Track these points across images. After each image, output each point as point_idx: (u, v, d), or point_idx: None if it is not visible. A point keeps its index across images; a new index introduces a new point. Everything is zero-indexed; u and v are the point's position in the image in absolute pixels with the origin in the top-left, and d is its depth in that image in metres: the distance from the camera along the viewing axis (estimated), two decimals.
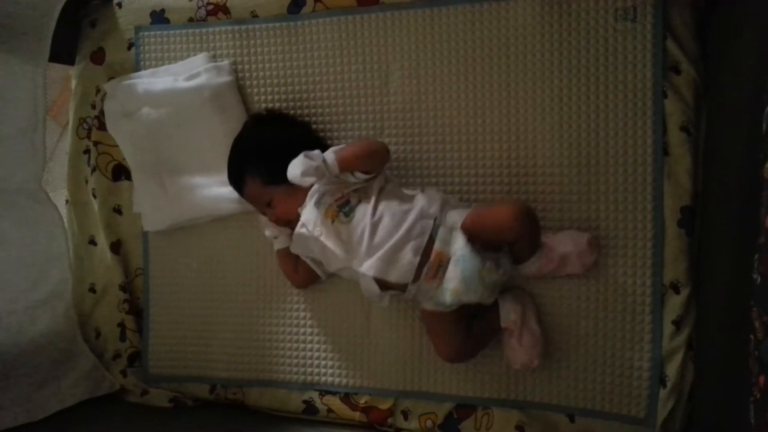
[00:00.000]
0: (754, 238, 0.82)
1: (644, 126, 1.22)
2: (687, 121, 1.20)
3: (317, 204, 1.22)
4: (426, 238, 1.15)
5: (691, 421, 1.20)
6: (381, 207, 1.19)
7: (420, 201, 1.20)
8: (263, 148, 1.31)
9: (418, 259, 1.14)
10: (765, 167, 0.79)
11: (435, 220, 1.17)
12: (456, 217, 1.18)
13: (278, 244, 1.37)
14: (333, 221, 1.20)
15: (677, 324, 1.20)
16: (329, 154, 1.22)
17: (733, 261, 1.05)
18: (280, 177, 1.25)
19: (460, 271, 1.12)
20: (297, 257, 1.34)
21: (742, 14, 1.07)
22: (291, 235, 1.31)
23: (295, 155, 1.22)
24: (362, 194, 1.23)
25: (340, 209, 1.20)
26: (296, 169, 1.19)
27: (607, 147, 1.24)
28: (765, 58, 0.94)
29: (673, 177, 1.21)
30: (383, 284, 1.18)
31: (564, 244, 1.20)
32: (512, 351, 1.23)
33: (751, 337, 0.80)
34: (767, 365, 0.75)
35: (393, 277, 1.16)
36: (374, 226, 1.17)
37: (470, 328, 1.23)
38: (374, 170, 1.24)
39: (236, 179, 1.34)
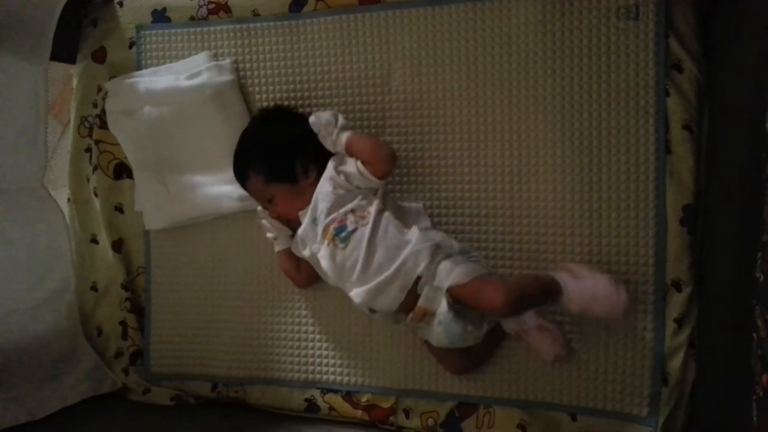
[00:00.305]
0: (757, 236, 0.82)
1: (646, 124, 1.22)
2: (689, 119, 1.20)
3: (314, 222, 1.23)
4: (414, 276, 1.15)
5: (692, 420, 1.20)
6: (377, 239, 1.18)
7: (414, 237, 1.18)
8: (268, 145, 1.30)
9: (403, 296, 1.16)
10: None
11: (419, 278, 1.15)
12: (444, 275, 1.14)
13: (279, 245, 1.36)
14: (329, 243, 1.20)
15: (679, 322, 1.20)
16: (345, 129, 1.23)
17: (736, 259, 1.05)
18: (283, 175, 1.26)
19: (443, 331, 1.14)
20: (298, 258, 1.34)
21: (744, 12, 1.07)
22: (292, 236, 1.31)
23: (298, 154, 1.25)
24: (359, 217, 1.20)
25: (337, 234, 1.19)
26: (318, 117, 1.23)
27: (609, 145, 1.24)
28: (767, 57, 0.94)
29: (676, 175, 1.21)
30: (371, 308, 1.21)
31: (594, 300, 1.12)
32: (536, 349, 1.24)
33: (754, 335, 0.80)
34: None
35: (378, 306, 1.19)
36: (367, 260, 1.17)
37: (470, 348, 1.24)
38: (375, 168, 1.21)
39: (240, 173, 1.33)
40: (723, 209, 1.14)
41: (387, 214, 1.21)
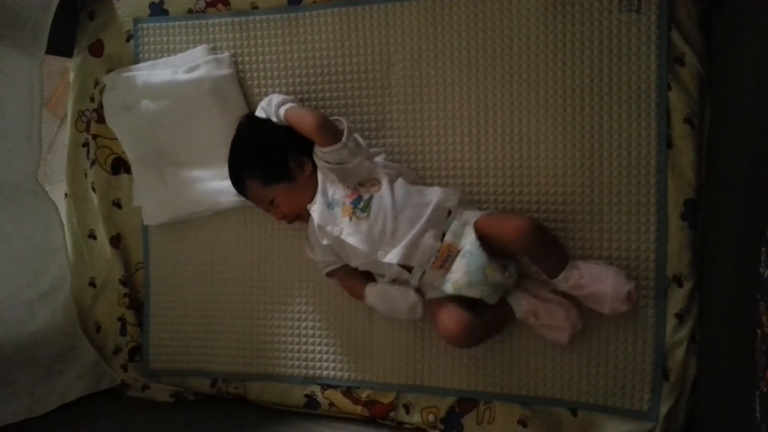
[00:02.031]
0: (760, 231, 0.81)
1: (648, 118, 1.22)
2: (691, 113, 1.19)
3: (330, 206, 1.24)
4: (442, 230, 1.19)
5: (694, 415, 1.20)
6: (399, 199, 1.21)
7: (437, 193, 1.23)
8: (257, 148, 1.30)
9: (439, 244, 1.18)
10: None
11: (450, 212, 1.21)
12: (471, 215, 1.22)
13: (332, 267, 1.33)
14: (351, 218, 1.21)
15: (680, 317, 1.20)
16: (283, 104, 1.29)
17: (737, 254, 1.05)
18: (278, 175, 1.27)
19: (465, 264, 1.15)
20: (356, 272, 1.30)
21: (746, 5, 1.06)
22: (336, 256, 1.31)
23: (288, 151, 1.26)
24: (370, 186, 1.24)
25: (355, 206, 1.21)
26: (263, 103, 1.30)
27: (611, 139, 1.24)
28: None
29: (677, 169, 1.20)
30: (407, 266, 1.21)
31: (602, 282, 1.16)
32: (549, 333, 1.22)
33: (758, 331, 0.79)
34: None
35: (416, 261, 1.19)
36: (395, 219, 1.19)
37: (478, 311, 1.21)
38: (315, 139, 1.25)
39: (237, 183, 1.34)
40: (724, 204, 1.13)
41: (401, 180, 1.25)
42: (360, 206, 1.21)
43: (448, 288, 1.17)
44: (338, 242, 1.24)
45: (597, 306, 1.18)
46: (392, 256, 1.19)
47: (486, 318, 1.21)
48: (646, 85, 1.22)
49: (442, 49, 1.33)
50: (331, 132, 1.25)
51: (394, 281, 1.25)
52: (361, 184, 1.24)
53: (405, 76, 1.35)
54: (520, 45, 1.28)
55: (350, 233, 1.21)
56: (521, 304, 1.21)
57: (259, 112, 1.32)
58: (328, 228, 1.24)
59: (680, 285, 1.20)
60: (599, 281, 1.16)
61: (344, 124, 1.27)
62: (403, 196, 1.22)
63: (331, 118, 1.29)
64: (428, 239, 1.18)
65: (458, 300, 1.19)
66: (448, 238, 1.18)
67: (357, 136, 1.29)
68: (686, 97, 1.20)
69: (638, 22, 1.21)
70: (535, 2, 1.26)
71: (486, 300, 1.18)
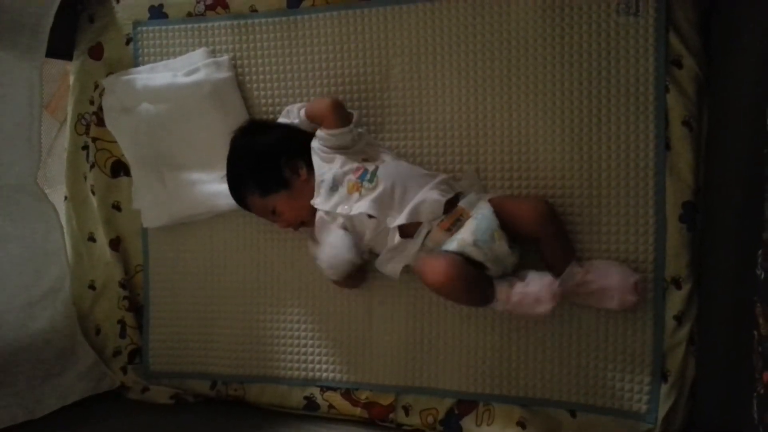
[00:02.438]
0: (758, 233, 0.82)
1: (646, 120, 1.22)
2: (689, 115, 1.20)
3: (333, 189, 1.25)
4: (450, 195, 1.21)
5: (692, 417, 1.21)
6: (405, 169, 1.26)
7: (441, 175, 1.26)
8: (250, 161, 1.31)
9: (445, 198, 1.20)
10: None
11: (459, 194, 1.24)
12: (484, 195, 1.25)
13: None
14: (360, 193, 1.22)
15: (678, 319, 1.20)
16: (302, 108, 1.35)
17: (735, 256, 1.05)
18: (275, 185, 1.28)
19: (475, 223, 1.15)
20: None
21: (744, 8, 1.06)
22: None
23: (282, 158, 1.28)
24: (374, 160, 1.27)
25: (362, 179, 1.23)
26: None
27: (609, 141, 1.24)
28: (767, 53, 0.94)
29: (675, 172, 1.21)
30: (405, 232, 1.22)
31: (608, 276, 1.17)
32: (530, 302, 1.13)
33: (755, 333, 0.80)
34: None
35: (424, 216, 1.20)
36: (404, 183, 1.22)
37: (460, 267, 1.14)
38: (328, 122, 1.27)
39: (238, 199, 1.35)
40: (723, 206, 1.13)
41: (404, 161, 1.30)
42: (367, 178, 1.23)
43: (453, 245, 1.14)
44: (350, 222, 1.25)
45: (605, 302, 1.18)
46: (401, 218, 1.20)
47: (471, 272, 1.15)
48: (644, 88, 1.22)
49: (440, 52, 1.33)
50: (343, 115, 1.29)
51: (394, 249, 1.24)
52: (365, 160, 1.27)
53: (404, 79, 1.36)
54: (518, 48, 1.28)
55: (360, 206, 1.22)
56: (502, 287, 1.15)
57: (282, 119, 1.37)
58: (338, 209, 1.24)
59: (679, 287, 1.20)
60: (605, 276, 1.17)
61: (355, 115, 1.31)
62: (409, 168, 1.27)
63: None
64: (434, 194, 1.19)
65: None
66: (462, 203, 1.20)
67: (363, 131, 1.34)
68: (684, 99, 1.20)
69: (636, 25, 1.22)
70: (534, 5, 1.27)
71: (486, 266, 1.14)
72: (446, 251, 1.16)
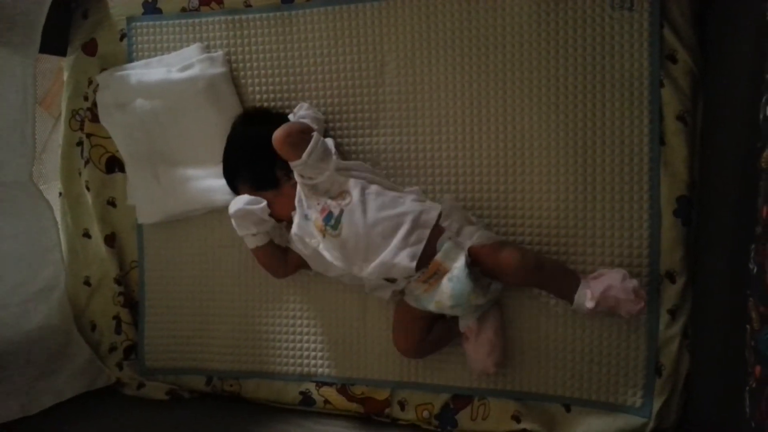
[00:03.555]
0: (751, 228, 0.82)
1: (641, 115, 1.22)
2: (683, 110, 1.20)
3: (306, 217, 1.24)
4: (422, 246, 1.17)
5: (686, 410, 1.21)
6: (371, 213, 1.18)
7: (414, 206, 1.20)
8: (248, 152, 1.31)
9: (414, 263, 1.15)
10: (763, 157, 0.78)
11: (443, 230, 1.20)
12: (467, 238, 1.20)
13: (259, 241, 1.31)
14: (324, 236, 1.21)
15: (673, 313, 1.21)
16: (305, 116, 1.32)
17: (730, 251, 1.05)
18: (266, 182, 1.28)
19: (450, 288, 1.14)
20: (280, 248, 1.34)
21: (739, 2, 1.06)
22: (274, 228, 1.33)
23: (277, 158, 1.25)
24: (341, 200, 1.21)
25: (326, 223, 1.20)
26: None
27: (604, 136, 1.24)
28: (762, 47, 0.94)
29: (670, 166, 1.21)
30: (389, 279, 1.22)
31: (612, 288, 1.14)
32: (468, 357, 1.25)
33: (748, 327, 0.80)
34: (763, 355, 0.75)
35: (396, 273, 1.18)
36: (368, 235, 1.17)
37: (431, 330, 1.26)
38: (290, 156, 1.23)
39: (231, 186, 1.35)
40: (717, 200, 1.14)
41: (375, 187, 1.23)
42: (331, 223, 1.19)
43: (431, 306, 1.18)
44: (316, 253, 1.24)
45: (616, 313, 1.17)
46: (369, 272, 1.18)
47: (436, 334, 1.27)
48: (639, 83, 1.22)
49: (435, 47, 1.33)
50: (293, 147, 1.22)
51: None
52: (332, 198, 1.22)
53: (398, 75, 1.35)
54: (512, 43, 1.28)
55: (326, 249, 1.21)
56: (467, 322, 1.23)
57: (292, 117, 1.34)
58: (306, 239, 1.24)
59: (673, 281, 1.21)
60: (609, 289, 1.14)
61: (314, 136, 1.24)
62: (376, 208, 1.19)
63: (310, 122, 1.29)
64: (403, 259, 1.15)
65: (422, 314, 1.23)
66: (439, 256, 1.16)
67: (329, 141, 1.28)
68: (679, 94, 1.20)
69: (631, 20, 1.22)
70: (528, 0, 1.26)
71: (460, 316, 1.22)
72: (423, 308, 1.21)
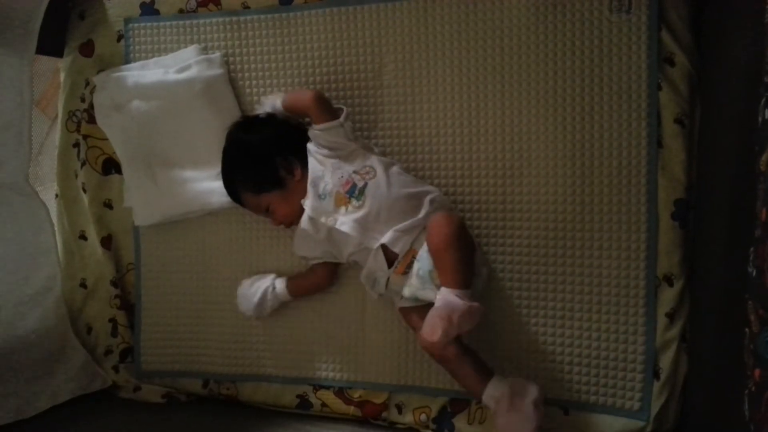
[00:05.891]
0: (749, 230, 0.82)
1: (638, 118, 1.22)
2: (681, 113, 1.20)
3: (321, 197, 1.24)
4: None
5: (684, 414, 1.21)
6: (395, 186, 1.21)
7: (434, 192, 1.25)
8: (245, 158, 1.31)
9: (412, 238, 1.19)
10: (761, 160, 0.78)
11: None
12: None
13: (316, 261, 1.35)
14: (346, 207, 1.21)
15: (671, 316, 1.20)
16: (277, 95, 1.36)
17: (727, 254, 1.05)
18: (269, 183, 1.27)
19: (418, 268, 1.16)
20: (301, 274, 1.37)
21: (736, 6, 1.06)
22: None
23: (277, 156, 1.27)
24: (364, 174, 1.23)
25: (350, 194, 1.21)
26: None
27: (602, 139, 1.24)
28: (760, 50, 0.94)
29: (667, 169, 1.21)
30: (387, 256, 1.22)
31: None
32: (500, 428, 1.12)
33: (746, 330, 0.80)
34: (762, 358, 0.75)
35: (399, 248, 1.20)
36: (390, 208, 1.20)
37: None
38: (314, 117, 1.27)
39: (232, 193, 1.34)
40: (715, 203, 1.13)
41: (396, 167, 1.26)
42: (355, 194, 1.21)
43: (407, 291, 1.18)
44: (330, 234, 1.24)
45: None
46: (384, 239, 1.19)
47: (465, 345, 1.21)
48: (637, 86, 1.22)
49: (433, 49, 1.33)
50: (328, 108, 1.27)
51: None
52: (356, 172, 1.24)
53: (397, 76, 1.35)
54: (511, 45, 1.28)
55: (344, 222, 1.21)
56: (493, 393, 1.12)
57: (259, 110, 1.35)
58: (322, 219, 1.24)
59: (671, 284, 1.21)
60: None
61: (344, 109, 1.28)
62: (400, 183, 1.22)
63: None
64: (416, 233, 1.19)
65: (423, 307, 1.20)
66: (415, 244, 1.19)
67: (356, 131, 1.31)
68: (676, 97, 1.20)
69: (629, 23, 1.22)
70: (526, 3, 1.27)
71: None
72: (416, 303, 1.20)
